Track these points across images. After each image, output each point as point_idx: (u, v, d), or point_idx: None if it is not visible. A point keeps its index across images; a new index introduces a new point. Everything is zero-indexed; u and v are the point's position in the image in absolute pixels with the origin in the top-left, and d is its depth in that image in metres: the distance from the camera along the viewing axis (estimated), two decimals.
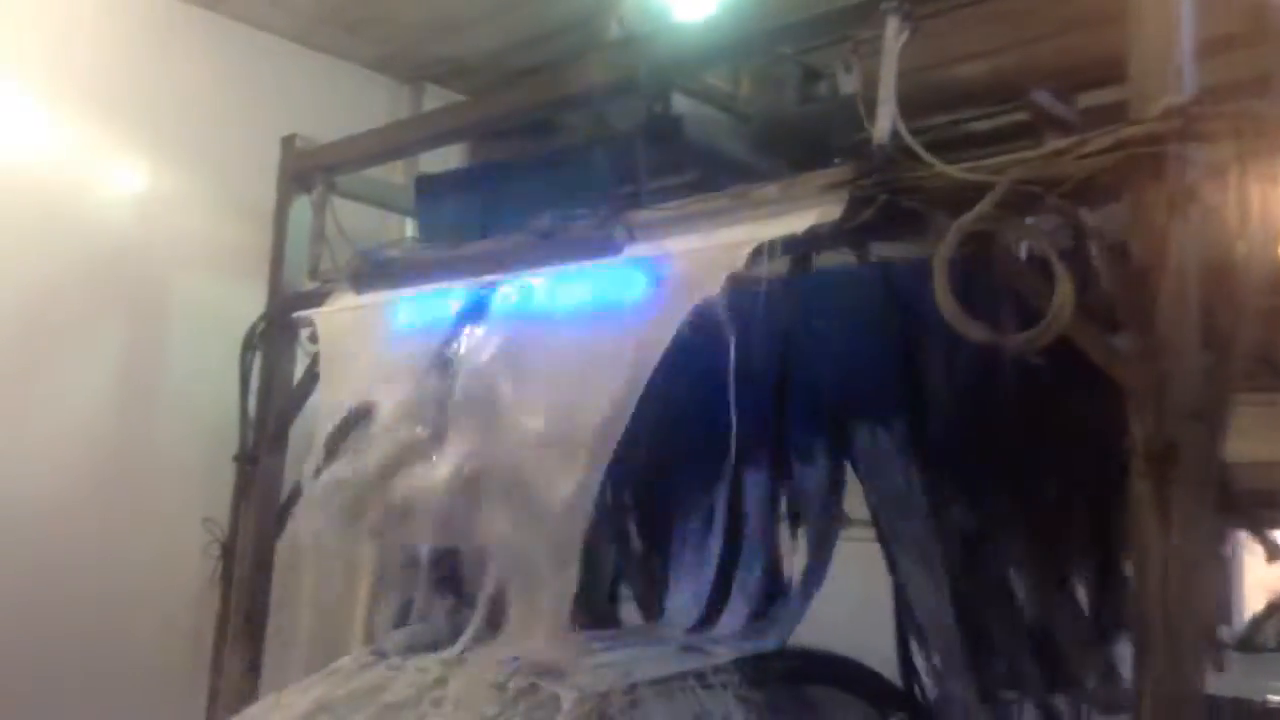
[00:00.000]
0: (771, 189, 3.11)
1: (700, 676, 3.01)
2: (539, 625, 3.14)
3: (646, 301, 3.20)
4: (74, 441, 4.93)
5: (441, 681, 3.09)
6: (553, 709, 2.77)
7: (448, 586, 3.68)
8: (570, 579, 3.08)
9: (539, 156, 3.96)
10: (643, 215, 3.39)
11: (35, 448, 4.78)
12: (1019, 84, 3.17)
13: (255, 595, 4.66)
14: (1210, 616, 2.45)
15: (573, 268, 3.45)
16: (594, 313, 3.35)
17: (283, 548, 4.74)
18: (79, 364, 5.01)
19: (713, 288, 2.99)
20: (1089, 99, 3.26)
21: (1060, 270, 2.49)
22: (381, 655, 3.43)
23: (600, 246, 3.37)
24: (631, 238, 3.35)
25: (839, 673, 3.47)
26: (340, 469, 3.74)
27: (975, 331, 2.56)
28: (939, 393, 3.42)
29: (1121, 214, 2.55)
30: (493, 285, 3.66)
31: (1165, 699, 2.37)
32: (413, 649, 3.42)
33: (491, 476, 3.36)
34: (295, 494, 4.75)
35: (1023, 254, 2.75)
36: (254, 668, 4.55)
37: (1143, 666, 2.41)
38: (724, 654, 3.22)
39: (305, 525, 3.94)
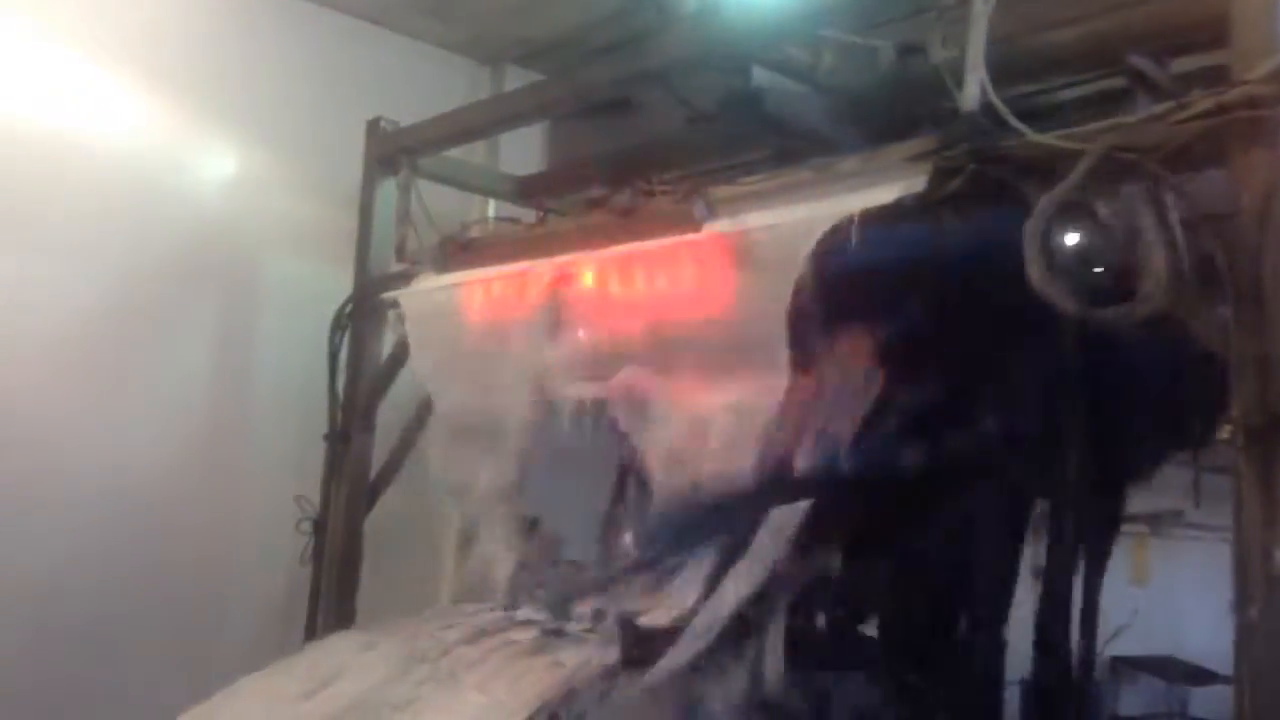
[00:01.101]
0: (854, 161, 3.06)
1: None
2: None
3: (732, 278, 3.19)
4: (170, 420, 5.07)
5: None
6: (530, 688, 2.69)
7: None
8: None
9: None
10: (723, 190, 3.37)
11: (134, 427, 4.93)
12: (1113, 49, 3.07)
13: (347, 570, 4.76)
14: None
15: (654, 244, 3.45)
16: (679, 289, 3.34)
17: (373, 524, 4.85)
18: (175, 344, 5.15)
19: (796, 263, 2.97)
20: (1184, 65, 3.14)
21: (1159, 240, 2.42)
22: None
23: (680, 221, 3.36)
24: (712, 213, 3.33)
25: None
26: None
27: (1069, 304, 2.50)
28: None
29: (1222, 181, 2.46)
30: (576, 263, 3.67)
31: (1268, 681, 2.30)
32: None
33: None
34: (385, 471, 4.86)
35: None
36: None
37: (1244, 648, 2.34)
38: None
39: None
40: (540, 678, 2.70)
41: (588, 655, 2.83)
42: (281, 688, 3.17)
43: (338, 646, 3.36)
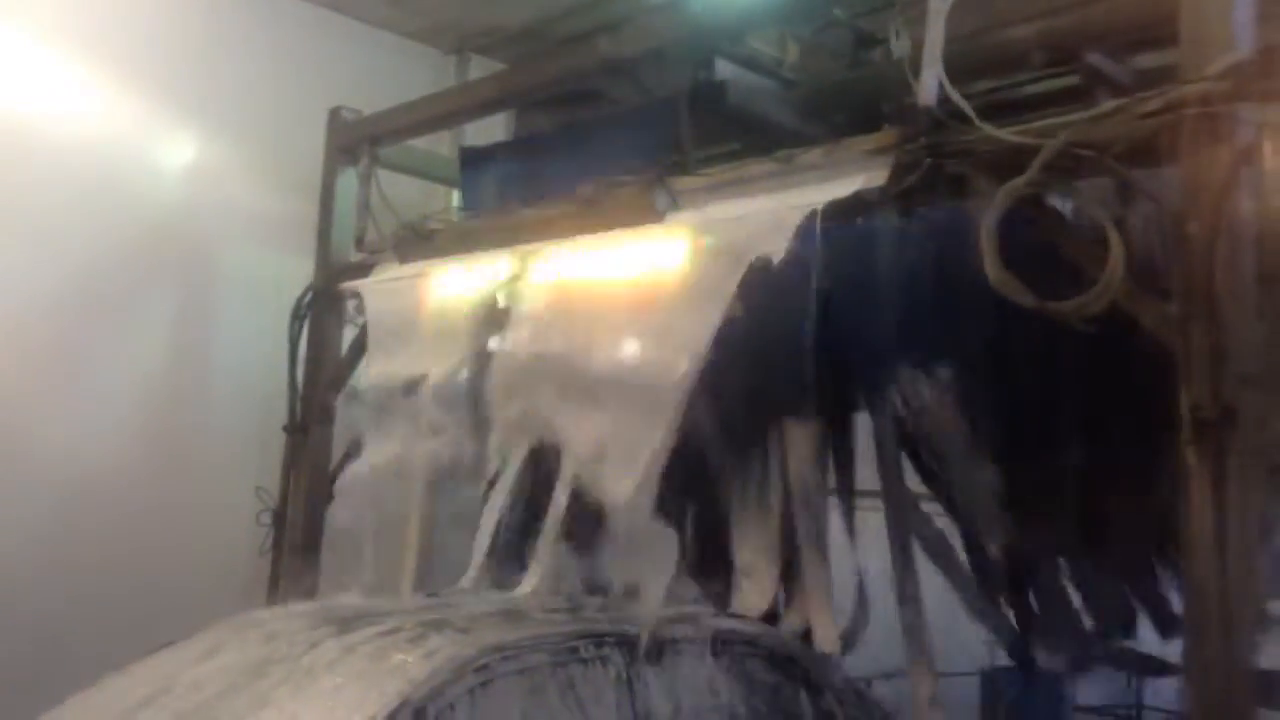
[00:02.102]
0: (816, 154, 3.07)
1: (574, 650, 2.70)
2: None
3: (692, 267, 3.19)
4: (129, 410, 5.01)
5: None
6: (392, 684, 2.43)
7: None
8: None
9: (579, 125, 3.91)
10: (686, 181, 3.37)
11: (89, 417, 4.87)
12: (1071, 46, 3.09)
13: (306, 561, 4.72)
14: (1263, 589, 2.39)
15: (617, 234, 3.45)
16: (641, 280, 3.34)
17: (333, 515, 4.81)
18: (131, 333, 5.09)
19: (758, 253, 2.98)
20: (1144, 61, 3.17)
21: (1113, 235, 2.44)
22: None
23: (643, 212, 3.35)
24: (675, 204, 3.33)
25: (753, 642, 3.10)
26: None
27: (1024, 298, 2.52)
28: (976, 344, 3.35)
29: (1175, 176, 2.48)
30: (536, 253, 3.67)
31: (1216, 673, 2.32)
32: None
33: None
34: (345, 462, 4.82)
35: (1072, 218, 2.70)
36: None
37: (1193, 640, 2.37)
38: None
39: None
40: (410, 670, 2.47)
41: (469, 644, 2.60)
42: (90, 714, 2.83)
43: (169, 659, 2.99)
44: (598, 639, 2.77)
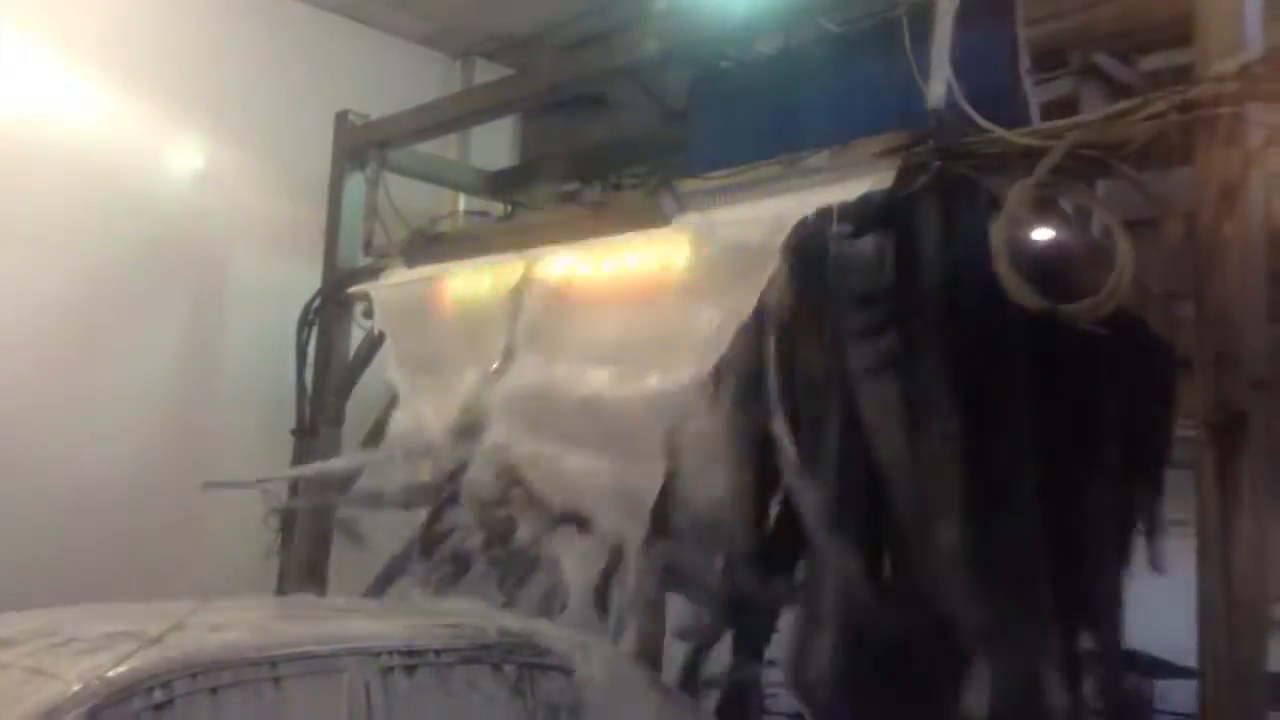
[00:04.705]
0: (822, 156, 3.06)
1: (302, 663, 2.39)
2: None
3: (700, 270, 3.19)
4: (137, 414, 5.02)
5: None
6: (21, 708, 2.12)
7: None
8: None
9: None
10: (691, 184, 3.37)
11: (99, 421, 4.87)
12: (1079, 48, 3.09)
13: (314, 564, 4.73)
14: (1275, 591, 2.38)
15: (623, 238, 3.45)
16: (647, 283, 3.34)
17: (341, 519, 4.81)
18: (141, 338, 5.09)
19: (763, 256, 2.98)
20: (1152, 62, 3.17)
21: (1121, 236, 2.43)
22: None
23: (649, 216, 3.35)
24: (681, 207, 3.32)
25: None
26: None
27: (1033, 300, 2.51)
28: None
29: (1186, 178, 2.48)
30: (543, 257, 3.67)
31: (1228, 675, 2.31)
32: None
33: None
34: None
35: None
36: None
37: (1205, 642, 2.36)
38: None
39: None
40: (52, 689, 2.14)
41: (152, 657, 2.27)
42: None
43: None
44: (331, 653, 2.47)
